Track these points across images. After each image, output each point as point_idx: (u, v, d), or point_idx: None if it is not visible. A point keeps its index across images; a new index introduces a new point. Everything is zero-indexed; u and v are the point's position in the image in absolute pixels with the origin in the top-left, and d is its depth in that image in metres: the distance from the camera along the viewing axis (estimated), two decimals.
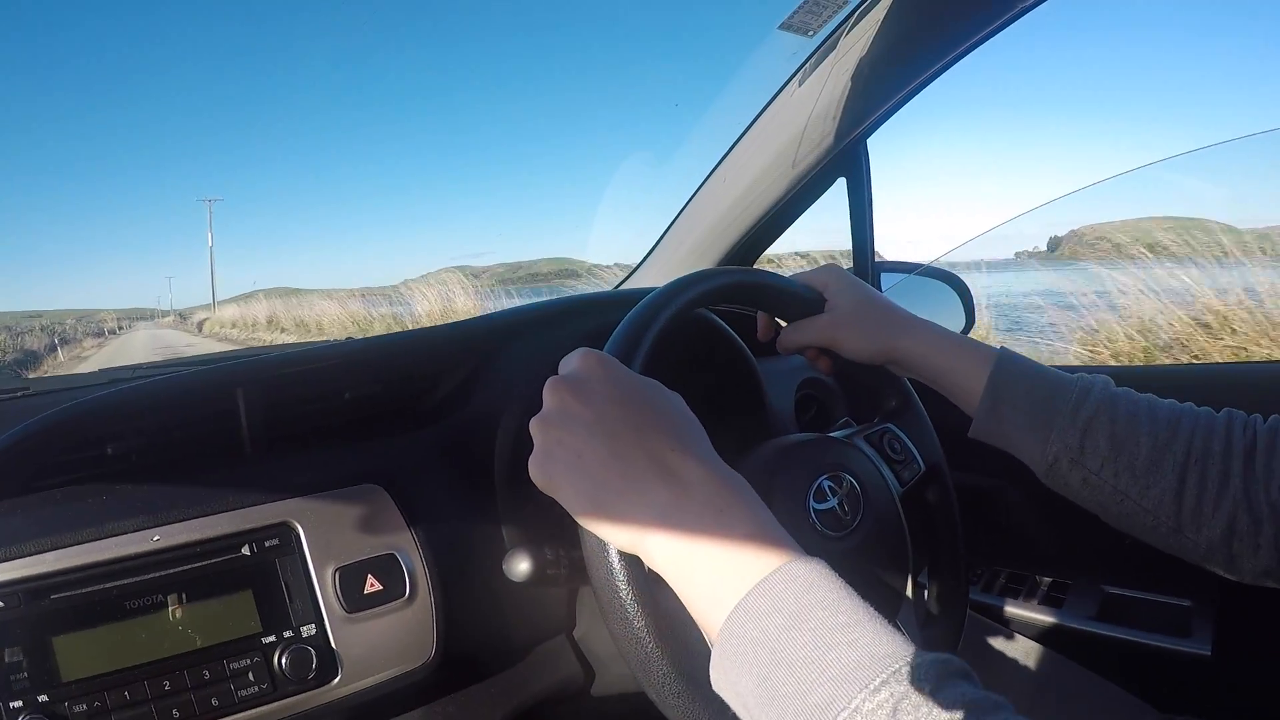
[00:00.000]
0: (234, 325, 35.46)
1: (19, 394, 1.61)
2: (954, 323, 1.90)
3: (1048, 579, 1.76)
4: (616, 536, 0.77)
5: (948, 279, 1.95)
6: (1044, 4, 1.42)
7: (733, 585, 0.69)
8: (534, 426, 0.82)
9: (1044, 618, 1.68)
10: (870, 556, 1.09)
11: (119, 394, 1.11)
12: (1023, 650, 1.69)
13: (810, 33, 1.66)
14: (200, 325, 46.47)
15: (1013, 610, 1.72)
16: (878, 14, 1.54)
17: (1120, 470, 1.01)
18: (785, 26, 1.66)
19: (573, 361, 0.85)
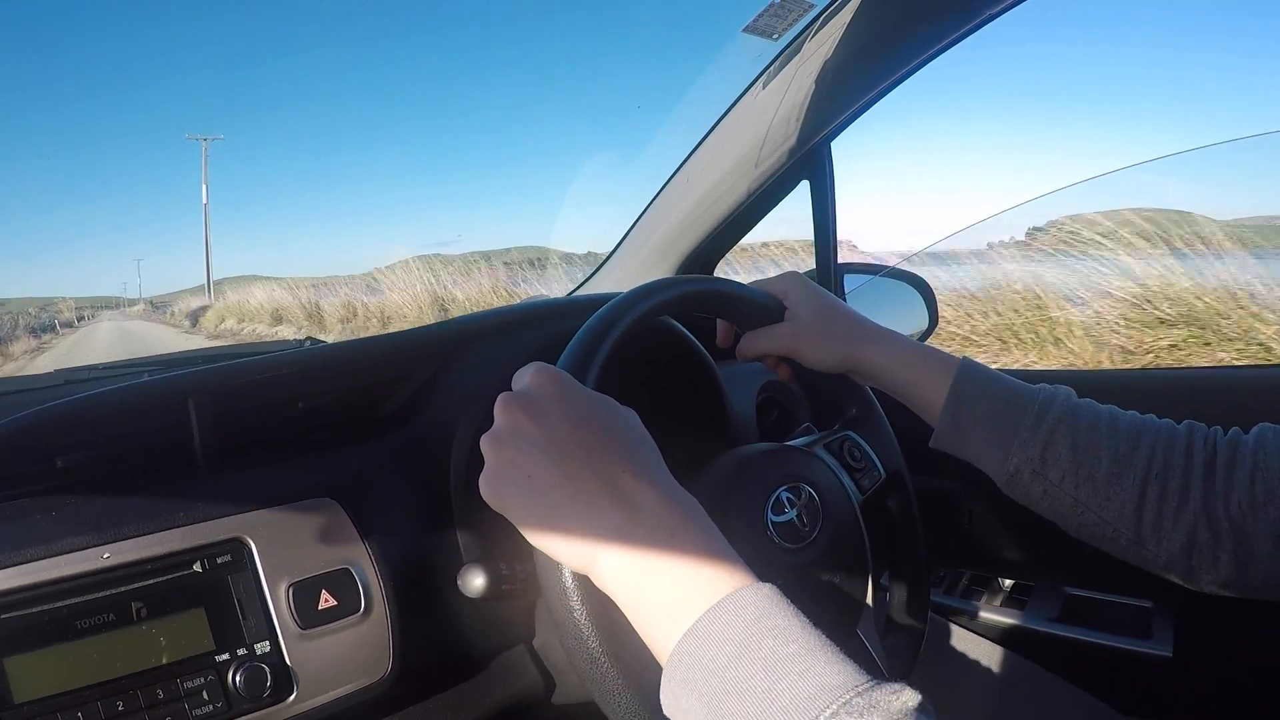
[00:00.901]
0: (281, 319, 25.46)
1: None
2: (917, 324, 1.91)
3: (1010, 581, 1.77)
4: (567, 557, 0.76)
5: (911, 280, 1.96)
6: (1009, 11, 1.43)
7: (683, 610, 0.69)
8: (485, 444, 0.82)
9: (1006, 620, 1.69)
10: (830, 567, 1.09)
11: (70, 404, 1.08)
12: (985, 653, 1.70)
13: (775, 36, 1.66)
14: (195, 317, 37.10)
15: (975, 612, 1.73)
16: (843, 18, 1.54)
17: (1081, 482, 1.02)
18: (750, 30, 1.66)
19: (525, 377, 0.85)
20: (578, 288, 2.40)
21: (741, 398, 1.54)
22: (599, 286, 2.31)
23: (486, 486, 0.80)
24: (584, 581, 0.79)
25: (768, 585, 0.70)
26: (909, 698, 0.61)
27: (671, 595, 0.70)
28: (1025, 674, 1.65)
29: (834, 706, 0.60)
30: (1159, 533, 0.99)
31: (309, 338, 1.94)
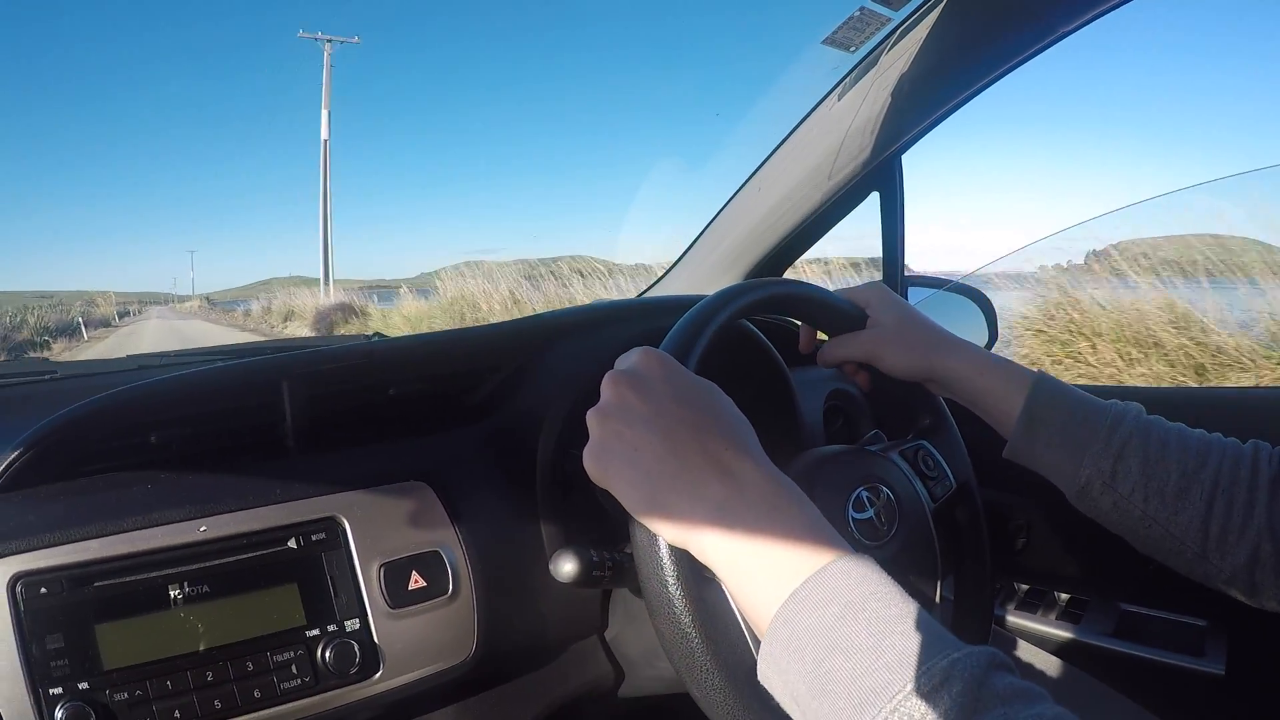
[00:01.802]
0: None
1: (46, 377, 1.62)
2: (977, 338, 1.92)
3: (1065, 595, 1.77)
4: (669, 531, 0.78)
5: (973, 295, 1.97)
6: (1083, 29, 1.45)
7: (787, 578, 0.71)
8: (591, 419, 0.84)
9: (1062, 633, 1.68)
10: (903, 567, 1.10)
11: (163, 382, 1.12)
12: (1041, 664, 1.70)
13: (852, 48, 1.68)
14: (328, 324, 23.32)
15: (1031, 625, 1.73)
16: (919, 33, 1.56)
17: (1150, 496, 1.03)
18: (828, 41, 1.67)
19: (632, 358, 0.87)
20: (645, 291, 2.42)
21: (810, 404, 1.56)
22: (669, 288, 2.34)
23: (591, 460, 0.82)
24: (680, 559, 0.80)
25: (866, 556, 0.73)
26: (1001, 659, 0.65)
27: (775, 566, 0.73)
28: (1080, 685, 1.65)
29: (938, 661, 0.63)
30: (1224, 547, 1.00)
31: (376, 334, 1.97)
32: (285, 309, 33.68)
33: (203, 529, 1.02)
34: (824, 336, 1.27)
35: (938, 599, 1.15)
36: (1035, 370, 1.14)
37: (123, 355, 1.82)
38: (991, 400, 1.15)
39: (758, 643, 0.81)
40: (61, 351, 27.38)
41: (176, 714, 0.95)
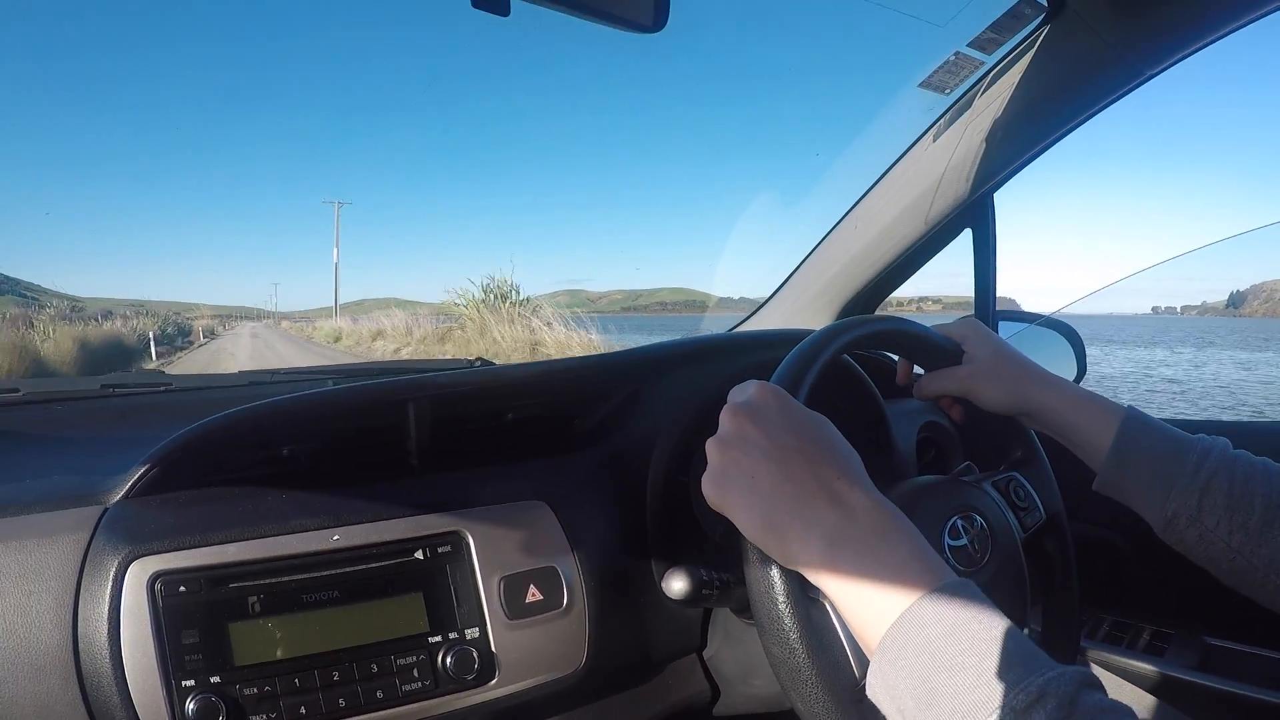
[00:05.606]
0: None
1: (161, 388, 1.69)
2: (1066, 372, 1.94)
3: (1150, 628, 1.78)
4: (783, 554, 0.83)
5: (1062, 329, 1.99)
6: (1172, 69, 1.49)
7: (895, 600, 0.76)
8: (710, 447, 0.89)
9: (1146, 666, 1.68)
10: (994, 594, 1.13)
11: (295, 400, 1.18)
12: (1126, 696, 1.70)
13: (947, 91, 1.72)
14: None
15: (1115, 658, 1.73)
16: (1012, 76, 1.60)
17: (1235, 529, 1.04)
18: (925, 85, 1.72)
19: (748, 391, 0.92)
20: (740, 323, 2.45)
21: (903, 436, 1.59)
22: (763, 322, 2.38)
23: (710, 486, 0.88)
24: (790, 579, 0.85)
25: (968, 580, 0.78)
26: (1093, 678, 0.69)
27: (884, 588, 0.77)
28: (1165, 719, 1.66)
29: (1034, 679, 0.67)
30: None
31: (479, 359, 2.02)
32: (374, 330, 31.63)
33: (335, 538, 1.08)
34: (920, 370, 1.31)
35: (1025, 630, 1.18)
36: (1125, 405, 1.17)
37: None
38: (1083, 434, 1.17)
39: (860, 661, 0.86)
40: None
41: (302, 710, 1.01)
